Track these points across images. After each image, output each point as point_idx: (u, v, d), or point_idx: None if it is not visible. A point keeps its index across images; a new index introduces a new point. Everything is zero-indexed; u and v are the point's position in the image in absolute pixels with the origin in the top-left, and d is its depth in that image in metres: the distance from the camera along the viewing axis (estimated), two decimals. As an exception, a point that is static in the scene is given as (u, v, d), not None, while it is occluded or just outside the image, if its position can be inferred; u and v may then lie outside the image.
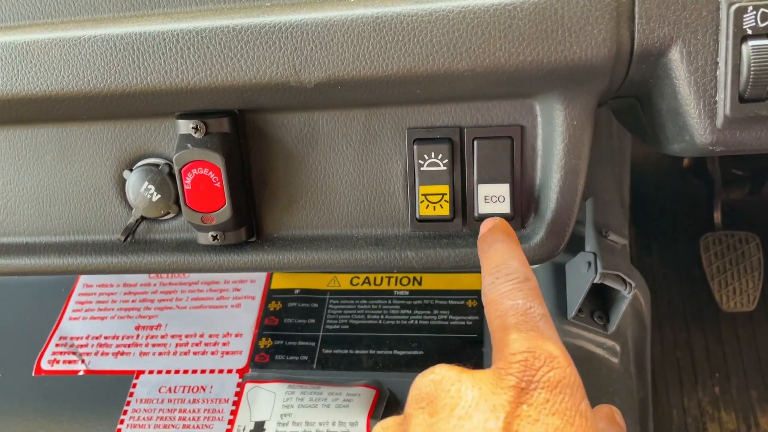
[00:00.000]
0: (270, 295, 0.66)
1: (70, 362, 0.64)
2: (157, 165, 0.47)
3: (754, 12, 0.36)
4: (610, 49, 0.36)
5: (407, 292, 0.63)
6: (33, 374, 0.64)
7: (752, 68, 0.36)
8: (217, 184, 0.44)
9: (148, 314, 0.67)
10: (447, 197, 0.44)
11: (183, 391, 0.60)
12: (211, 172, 0.44)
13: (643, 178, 1.23)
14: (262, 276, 0.67)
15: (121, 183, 0.48)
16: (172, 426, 0.58)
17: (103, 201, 0.49)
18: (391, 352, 0.59)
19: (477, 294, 0.62)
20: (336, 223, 0.47)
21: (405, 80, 0.38)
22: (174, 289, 0.68)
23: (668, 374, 1.14)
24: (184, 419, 0.58)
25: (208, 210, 0.45)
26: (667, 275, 1.20)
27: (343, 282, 0.65)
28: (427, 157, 0.43)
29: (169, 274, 0.70)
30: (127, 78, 0.40)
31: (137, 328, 0.66)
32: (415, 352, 0.59)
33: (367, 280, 0.65)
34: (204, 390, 0.60)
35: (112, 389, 0.61)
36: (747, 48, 0.36)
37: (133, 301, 0.68)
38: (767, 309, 1.14)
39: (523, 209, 0.44)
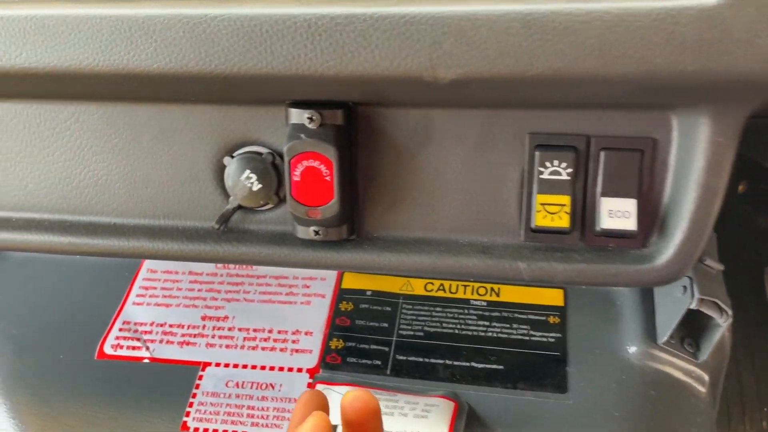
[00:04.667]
0: (341, 294, 0.64)
1: (134, 348, 0.62)
2: (259, 153, 0.45)
3: None
4: (778, 65, 0.34)
5: (485, 303, 0.61)
6: (95, 357, 0.63)
7: None
8: (327, 178, 0.42)
9: (215, 305, 0.65)
10: (567, 208, 0.42)
11: (251, 387, 0.58)
12: (322, 165, 0.42)
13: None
14: (332, 274, 0.66)
15: (220, 169, 0.46)
16: (240, 423, 0.56)
17: (198, 186, 0.47)
18: (468, 364, 0.57)
19: (559, 310, 0.60)
20: (441, 227, 0.45)
21: (549, 81, 0.36)
22: (241, 281, 0.67)
23: (716, 404, 1.11)
24: (252, 416, 0.56)
25: (314, 204, 0.43)
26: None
27: (417, 287, 0.63)
28: (549, 165, 0.41)
29: (236, 266, 0.68)
30: (252, 60, 0.38)
31: (203, 318, 0.64)
32: (494, 366, 0.57)
33: (441, 287, 0.63)
34: (273, 388, 0.58)
35: (177, 379, 0.60)
36: None
37: (199, 290, 0.67)
38: (822, 346, 1.10)
39: (647, 227, 0.41)
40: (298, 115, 0.42)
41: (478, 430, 0.53)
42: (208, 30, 0.39)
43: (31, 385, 0.61)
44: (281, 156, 0.45)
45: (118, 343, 0.63)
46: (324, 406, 0.46)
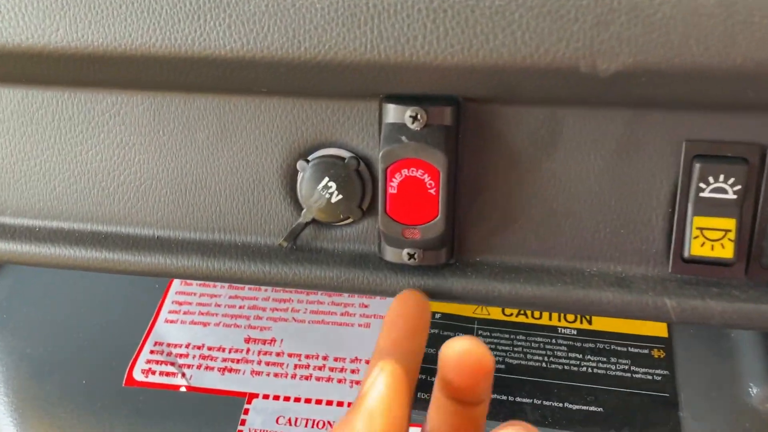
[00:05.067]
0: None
1: (168, 374, 0.54)
2: (341, 158, 0.37)
3: None
4: None
5: (574, 331, 0.53)
6: (123, 384, 0.55)
7: None
8: (432, 191, 0.34)
9: (260, 324, 0.57)
10: (732, 235, 0.34)
11: (306, 426, 0.50)
12: (426, 175, 0.34)
13: None
14: (393, 293, 0.58)
15: (291, 175, 0.38)
16: (295, 468, 0.48)
17: (264, 195, 0.39)
18: (561, 405, 0.49)
19: (663, 342, 0.52)
20: (564, 253, 0.37)
21: (748, 76, 0.28)
22: (289, 298, 0.58)
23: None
24: (309, 461, 0.49)
25: (413, 222, 0.35)
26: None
27: (494, 310, 0.55)
28: (712, 181, 0.33)
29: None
30: (353, 44, 0.30)
31: (247, 340, 0.56)
32: (592, 408, 0.49)
33: (523, 311, 0.55)
34: (331, 426, 0.50)
35: (219, 413, 0.52)
36: None
37: (240, 307, 0.59)
38: None
39: (836, 261, 0.34)
40: (398, 113, 0.34)
41: (580, 486, 0.45)
42: (298, 4, 0.31)
43: (49, 415, 0.53)
44: (366, 161, 0.37)
45: (150, 368, 0.55)
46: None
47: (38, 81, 0.39)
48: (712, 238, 0.34)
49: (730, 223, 0.33)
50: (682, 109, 0.33)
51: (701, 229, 0.34)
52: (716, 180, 0.33)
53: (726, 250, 0.34)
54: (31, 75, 0.37)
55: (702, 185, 0.34)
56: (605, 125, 0.34)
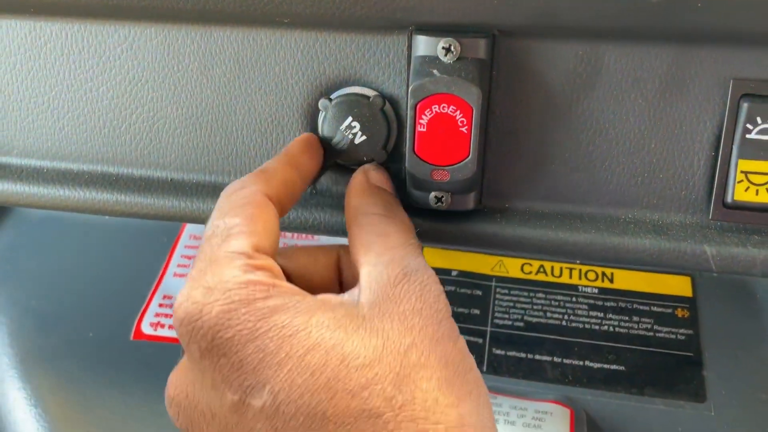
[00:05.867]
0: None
1: (176, 328, 0.53)
2: (366, 96, 0.35)
3: None
4: None
5: (596, 290, 0.52)
6: (131, 337, 0.53)
7: None
8: (464, 129, 0.33)
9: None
10: (778, 179, 0.32)
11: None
12: (458, 112, 0.32)
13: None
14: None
15: (312, 115, 0.37)
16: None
17: (283, 135, 0.37)
18: (581, 363, 0.48)
19: (688, 301, 0.50)
20: (598, 199, 0.35)
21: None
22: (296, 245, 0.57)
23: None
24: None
25: (443, 162, 0.33)
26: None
27: (512, 268, 0.54)
28: (759, 121, 0.32)
29: (294, 234, 0.59)
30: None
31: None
32: (613, 367, 0.47)
33: (542, 269, 0.53)
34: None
35: (230, 368, 0.50)
36: None
37: (251, 262, 0.57)
38: None
39: None
40: (430, 45, 0.32)
41: (602, 444, 0.44)
42: None
43: (56, 368, 0.52)
44: (391, 100, 0.35)
45: (158, 321, 0.54)
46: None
47: (46, 11, 0.37)
48: (758, 183, 0.32)
49: (778, 167, 0.32)
50: (730, 45, 0.32)
51: (746, 173, 0.32)
52: (764, 121, 0.32)
53: (772, 196, 0.32)
54: (38, 3, 0.35)
55: (749, 126, 0.32)
56: (648, 62, 0.32)
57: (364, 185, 0.34)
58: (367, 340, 0.27)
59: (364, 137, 0.35)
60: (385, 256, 0.30)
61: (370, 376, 0.26)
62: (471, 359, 0.29)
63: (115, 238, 0.60)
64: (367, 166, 0.35)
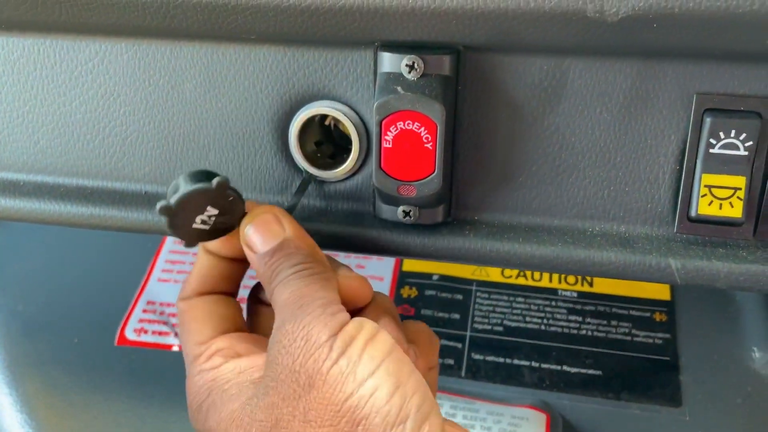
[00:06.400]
0: (402, 278, 0.55)
1: (160, 333, 0.54)
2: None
3: None
4: None
5: (575, 294, 0.52)
6: (115, 343, 0.54)
7: None
8: (428, 145, 0.33)
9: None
10: (741, 193, 0.32)
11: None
12: (423, 129, 0.32)
13: None
14: (390, 253, 0.56)
15: (283, 128, 0.37)
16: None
17: (254, 150, 0.37)
18: (559, 368, 0.48)
19: (666, 305, 0.51)
20: (565, 212, 0.35)
21: (760, 21, 0.26)
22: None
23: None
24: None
25: (409, 178, 0.33)
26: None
27: (493, 272, 0.54)
28: (722, 136, 0.32)
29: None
30: (346, -17, 0.28)
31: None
32: (590, 371, 0.48)
33: (522, 273, 0.54)
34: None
35: (212, 373, 0.51)
36: None
37: (234, 267, 0.57)
38: None
39: None
40: (394, 62, 0.32)
41: (578, 449, 0.44)
42: (287, -60, 0.29)
43: (42, 374, 0.53)
44: (361, 115, 0.36)
45: (142, 327, 0.54)
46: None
47: (17, 27, 0.37)
48: (721, 197, 0.32)
49: (740, 181, 0.32)
50: (693, 60, 0.32)
51: (710, 186, 0.32)
52: (727, 135, 0.32)
53: (734, 210, 0.32)
54: (8, 20, 0.36)
55: (712, 141, 0.32)
56: (612, 77, 0.33)
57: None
58: (251, 427, 0.30)
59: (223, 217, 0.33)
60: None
61: None
62: (341, 394, 0.28)
63: (100, 242, 0.61)
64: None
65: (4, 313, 0.57)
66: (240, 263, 0.36)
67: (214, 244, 0.35)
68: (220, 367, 0.33)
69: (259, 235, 0.33)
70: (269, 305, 0.35)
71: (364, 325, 0.29)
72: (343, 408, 0.27)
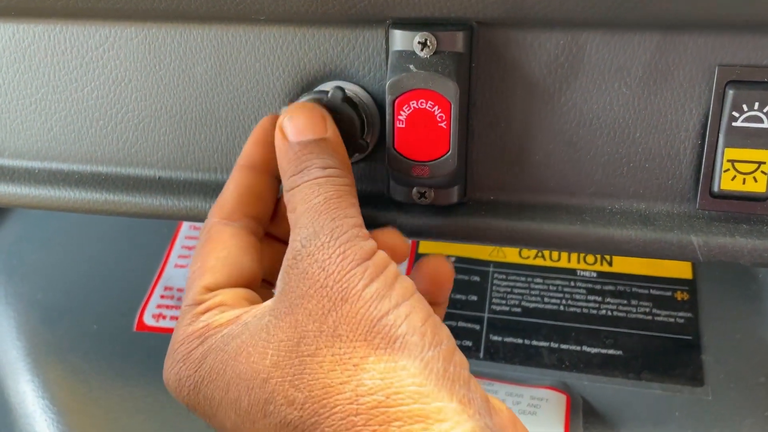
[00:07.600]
0: (418, 260, 0.54)
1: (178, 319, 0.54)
2: (325, 91, 0.35)
3: None
4: None
5: (594, 274, 0.52)
6: (134, 329, 0.54)
7: None
8: (443, 124, 0.32)
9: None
10: (766, 167, 0.31)
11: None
12: (436, 107, 0.32)
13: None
14: (406, 236, 0.56)
15: (295, 110, 0.36)
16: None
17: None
18: (579, 348, 0.48)
19: (688, 284, 0.50)
20: (583, 190, 0.35)
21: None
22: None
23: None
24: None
25: (423, 158, 0.33)
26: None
27: (510, 253, 0.54)
28: (746, 108, 0.31)
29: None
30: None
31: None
32: (610, 351, 0.47)
33: (540, 253, 0.53)
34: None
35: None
36: None
37: (250, 251, 0.57)
38: None
39: None
40: (406, 39, 0.32)
41: (597, 429, 0.44)
42: None
43: (62, 361, 0.53)
44: (373, 94, 0.35)
45: (160, 313, 0.55)
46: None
47: (28, 14, 0.37)
48: (744, 171, 0.31)
49: (765, 155, 0.31)
50: (714, 32, 0.31)
51: (732, 161, 0.32)
52: (751, 108, 0.31)
53: (759, 184, 0.31)
54: (18, 7, 0.35)
55: (735, 114, 0.31)
56: (631, 51, 0.32)
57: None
58: (267, 349, 0.27)
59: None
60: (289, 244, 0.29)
61: (270, 388, 0.27)
62: (377, 312, 0.27)
63: (116, 230, 0.61)
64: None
65: (24, 303, 0.57)
66: (275, 182, 0.34)
67: (250, 154, 0.33)
68: (215, 317, 0.30)
69: (299, 124, 0.31)
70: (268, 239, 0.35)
71: (390, 259, 0.29)
72: (378, 324, 0.26)
